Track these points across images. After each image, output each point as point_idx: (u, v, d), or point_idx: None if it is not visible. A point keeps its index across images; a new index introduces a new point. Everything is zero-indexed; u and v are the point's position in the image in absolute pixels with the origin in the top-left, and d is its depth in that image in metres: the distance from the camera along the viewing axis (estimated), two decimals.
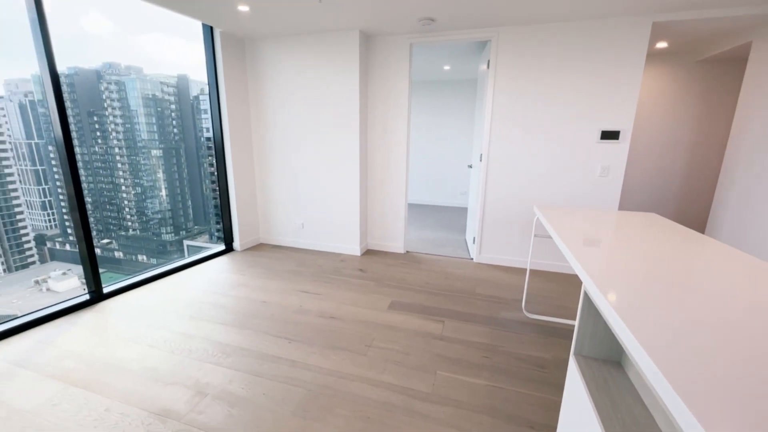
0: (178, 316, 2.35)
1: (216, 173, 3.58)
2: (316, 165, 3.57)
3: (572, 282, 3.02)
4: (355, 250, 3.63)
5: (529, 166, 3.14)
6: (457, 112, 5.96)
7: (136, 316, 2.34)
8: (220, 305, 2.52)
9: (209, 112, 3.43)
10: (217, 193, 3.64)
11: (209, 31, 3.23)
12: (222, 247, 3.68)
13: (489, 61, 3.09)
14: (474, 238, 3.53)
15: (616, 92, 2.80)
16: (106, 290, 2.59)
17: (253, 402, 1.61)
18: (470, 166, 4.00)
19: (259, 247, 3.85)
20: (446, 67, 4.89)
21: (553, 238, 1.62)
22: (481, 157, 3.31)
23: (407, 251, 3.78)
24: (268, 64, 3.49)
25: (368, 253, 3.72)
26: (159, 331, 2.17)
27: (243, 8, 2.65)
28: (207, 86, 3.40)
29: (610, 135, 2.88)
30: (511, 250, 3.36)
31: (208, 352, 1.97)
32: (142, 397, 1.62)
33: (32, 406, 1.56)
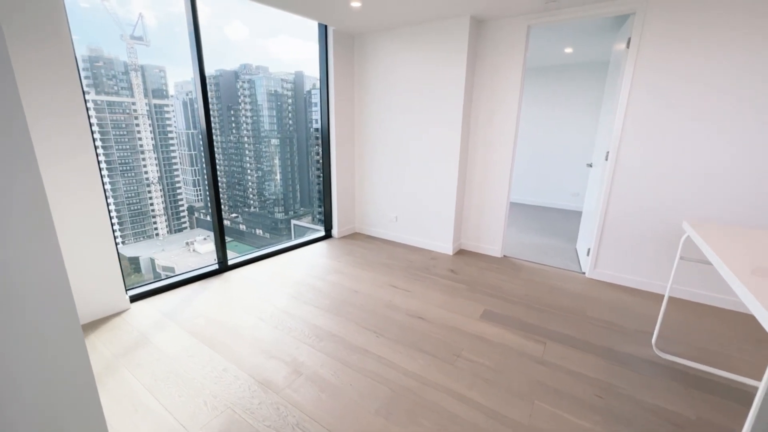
0: (282, 294, 2.60)
1: (321, 163, 3.84)
2: (413, 158, 3.52)
3: (733, 321, 2.35)
4: (447, 248, 3.49)
5: (677, 169, 2.51)
6: (575, 102, 5.18)
7: (250, 289, 2.68)
8: (317, 289, 2.70)
9: (318, 105, 3.67)
10: (321, 179, 3.91)
11: (324, 31, 3.43)
12: (322, 233, 3.96)
13: (629, 39, 2.54)
14: (589, 249, 3.03)
15: None
16: (230, 263, 3.03)
17: (340, 390, 1.67)
18: (590, 165, 3.44)
19: (354, 236, 4.03)
20: (568, 50, 4.27)
21: (715, 266, 1.24)
22: (607, 155, 2.79)
23: (504, 255, 3.47)
24: (373, 58, 3.54)
25: (461, 253, 3.54)
26: (267, 305, 2.44)
27: (355, 4, 2.71)
28: (318, 81, 3.63)
29: None
30: (638, 268, 2.78)
31: (304, 333, 2.12)
32: (251, 365, 1.83)
33: (174, 353, 1.91)
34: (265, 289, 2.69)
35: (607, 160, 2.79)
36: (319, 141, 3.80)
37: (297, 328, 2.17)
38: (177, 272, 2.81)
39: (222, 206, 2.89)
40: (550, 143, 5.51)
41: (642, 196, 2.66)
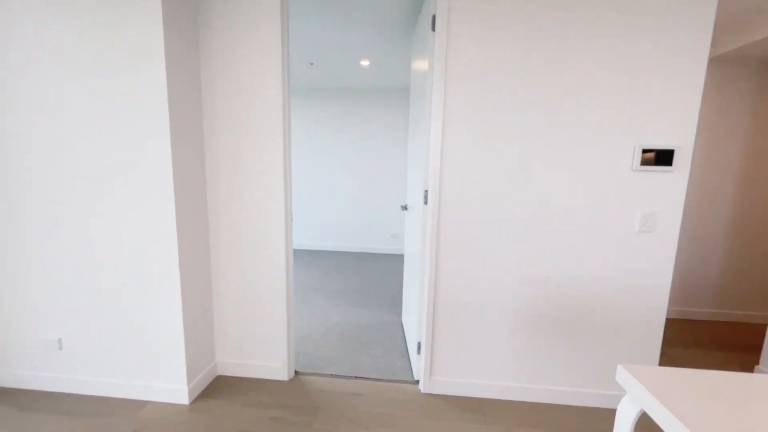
0: None
1: None
2: (84, 215, 1.64)
3: None
4: (178, 392, 1.71)
5: (510, 216, 1.68)
6: (383, 132, 4.52)
7: None
8: None
9: None
10: None
11: None
12: None
13: (434, 17, 1.62)
14: (419, 344, 1.91)
15: (664, 84, 1.53)
16: None
17: None
18: (404, 208, 2.46)
19: None
20: (364, 63, 3.42)
21: None
22: (425, 197, 1.77)
23: (296, 373, 1.99)
24: None
25: (214, 387, 1.84)
26: None
27: None
28: None
29: (658, 158, 1.57)
30: (496, 363, 1.81)
31: None
32: None
33: None
34: None
35: (426, 203, 1.77)
36: None
37: None
38: None
39: None
40: (363, 178, 4.64)
41: (474, 252, 1.72)
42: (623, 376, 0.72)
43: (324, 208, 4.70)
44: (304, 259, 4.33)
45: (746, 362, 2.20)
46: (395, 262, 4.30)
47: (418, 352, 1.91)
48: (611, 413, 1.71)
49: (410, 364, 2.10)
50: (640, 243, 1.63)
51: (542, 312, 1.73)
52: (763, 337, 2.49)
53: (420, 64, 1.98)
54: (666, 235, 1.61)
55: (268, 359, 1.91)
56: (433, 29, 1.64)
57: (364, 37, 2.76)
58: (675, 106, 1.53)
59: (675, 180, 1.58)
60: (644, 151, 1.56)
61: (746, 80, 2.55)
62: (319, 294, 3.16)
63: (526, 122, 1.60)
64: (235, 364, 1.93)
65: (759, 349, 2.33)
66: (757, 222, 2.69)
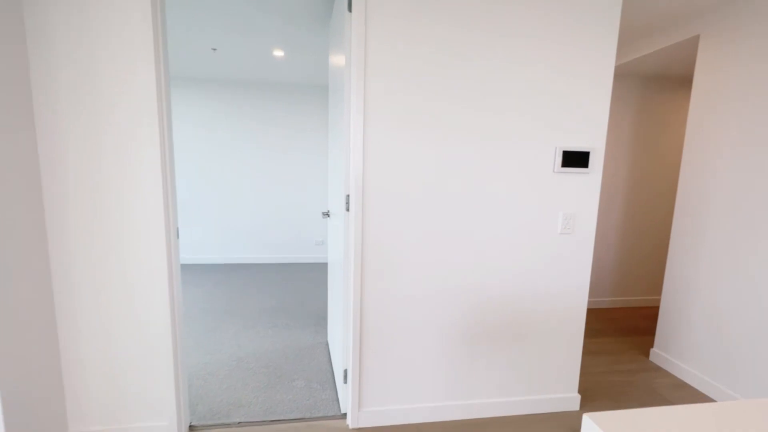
0: None
1: None
2: None
3: None
4: None
5: (439, 222, 1.55)
6: (308, 129, 4.18)
7: None
8: None
9: None
10: None
11: None
12: None
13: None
14: (346, 371, 1.66)
15: (576, 85, 1.54)
16: None
17: None
18: (326, 215, 2.19)
19: None
20: (278, 53, 3.06)
21: None
22: (348, 203, 1.54)
23: (192, 429, 1.57)
24: None
25: None
26: None
27: None
28: None
29: (575, 159, 1.57)
30: (429, 383, 1.64)
31: None
32: None
33: None
34: None
35: (349, 210, 1.53)
36: None
37: None
38: None
39: None
40: (283, 182, 4.22)
41: (410, 264, 1.55)
42: (590, 427, 0.57)
43: (238, 216, 4.16)
44: (213, 275, 3.76)
45: (644, 344, 2.43)
46: (320, 271, 3.99)
47: (345, 381, 1.66)
48: (548, 417, 1.68)
49: (337, 393, 1.84)
50: (562, 245, 1.63)
51: (473, 323, 1.62)
52: (656, 319, 2.81)
53: (338, 57, 1.75)
54: (584, 235, 1.63)
55: (149, 418, 1.47)
56: (350, 10, 1.42)
57: (274, 21, 2.42)
58: (589, 109, 1.55)
59: (591, 181, 1.61)
60: (564, 153, 1.55)
61: (631, 92, 2.88)
62: (230, 318, 2.71)
63: (453, 118, 1.48)
64: (99, 431, 1.44)
65: (654, 331, 2.61)
66: (643, 219, 3.05)
